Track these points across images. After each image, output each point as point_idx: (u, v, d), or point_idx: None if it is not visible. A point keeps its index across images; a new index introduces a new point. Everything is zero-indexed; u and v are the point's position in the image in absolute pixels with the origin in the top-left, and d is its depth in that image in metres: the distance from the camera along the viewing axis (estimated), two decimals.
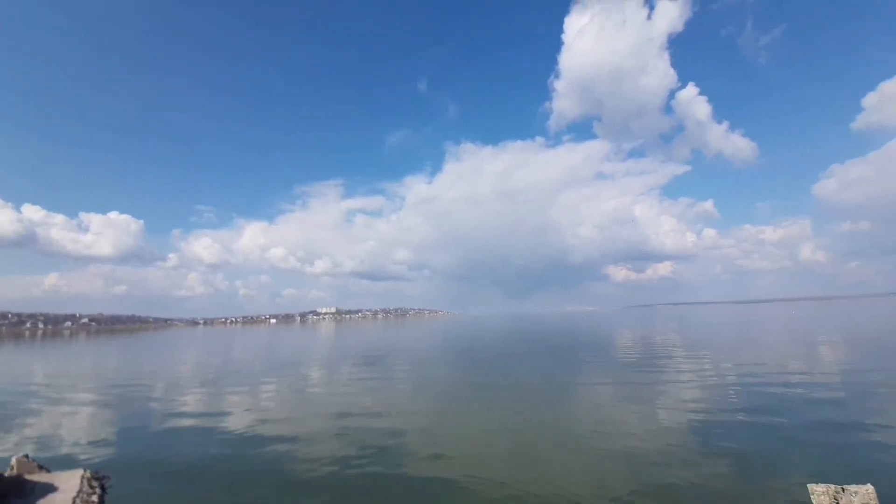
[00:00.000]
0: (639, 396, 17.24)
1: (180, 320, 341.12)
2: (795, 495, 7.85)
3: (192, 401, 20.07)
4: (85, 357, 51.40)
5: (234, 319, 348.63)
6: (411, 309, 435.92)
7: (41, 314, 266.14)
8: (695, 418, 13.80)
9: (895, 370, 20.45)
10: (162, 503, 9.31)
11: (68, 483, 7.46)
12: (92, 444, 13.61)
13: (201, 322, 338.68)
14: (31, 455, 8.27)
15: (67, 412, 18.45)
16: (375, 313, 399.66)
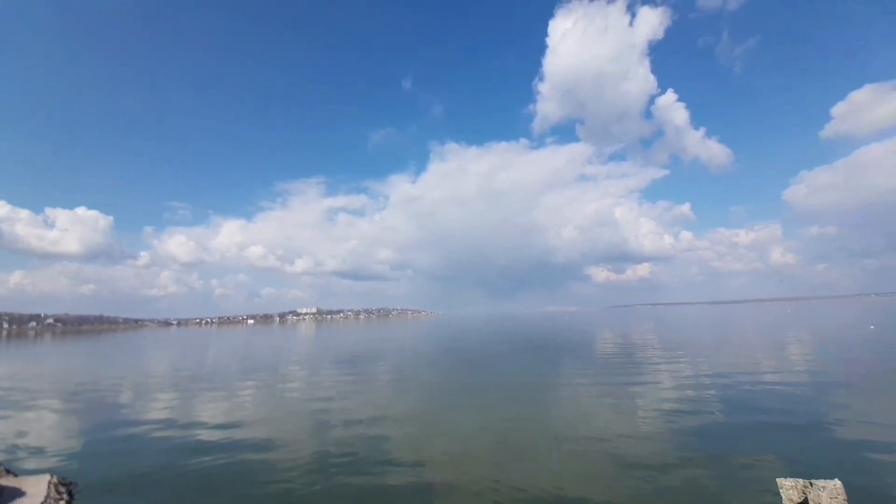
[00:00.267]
0: (619, 396, 17.56)
1: (152, 321, 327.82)
2: (766, 489, 8.04)
3: (163, 405, 19.39)
4: (50, 359, 49.05)
5: (209, 320, 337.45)
6: (394, 309, 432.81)
7: (5, 314, 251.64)
8: (672, 416, 14.14)
9: (859, 368, 21.53)
10: None
11: (36, 488, 7.29)
12: (56, 449, 13.01)
13: (174, 323, 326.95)
14: None
15: (31, 417, 17.55)
16: (357, 314, 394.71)
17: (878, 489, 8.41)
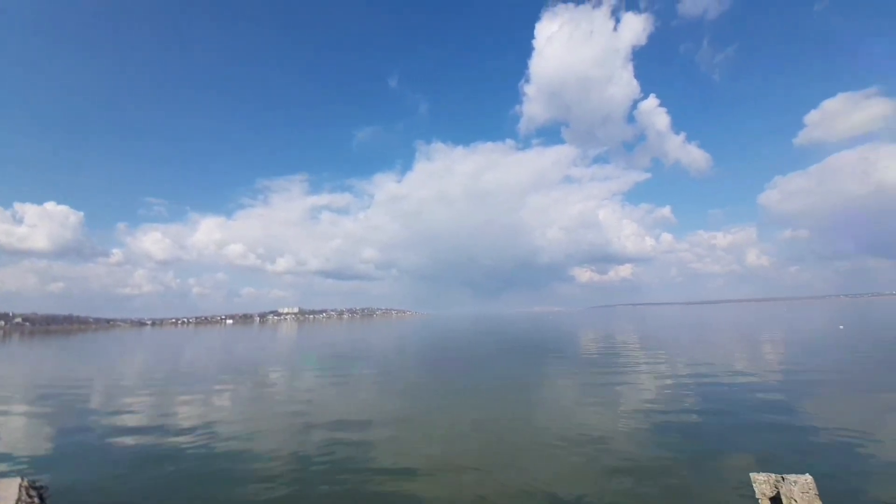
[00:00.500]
0: (602, 395, 17.74)
1: (125, 321, 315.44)
2: (739, 484, 8.21)
3: (136, 407, 18.64)
4: (18, 360, 46.88)
5: (186, 320, 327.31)
6: (378, 309, 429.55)
7: None
8: (651, 414, 14.34)
9: (828, 367, 22.29)
10: None
11: (7, 491, 7.04)
12: (26, 452, 12.46)
13: (149, 323, 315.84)
14: None
15: None
16: (341, 313, 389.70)
17: (848, 483, 8.62)
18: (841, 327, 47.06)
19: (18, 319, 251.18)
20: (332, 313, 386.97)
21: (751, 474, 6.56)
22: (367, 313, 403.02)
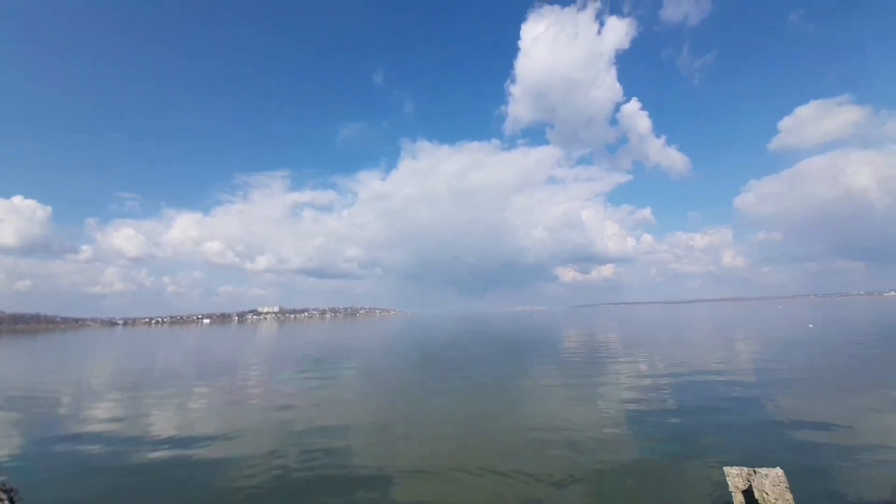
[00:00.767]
0: (584, 393, 17.88)
1: (94, 320, 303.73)
2: (714, 477, 8.44)
3: (107, 411, 17.79)
4: None
5: (159, 319, 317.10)
6: (362, 308, 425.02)
7: None
8: (631, 411, 14.53)
9: (798, 364, 22.83)
10: None
11: None
12: None
13: (120, 322, 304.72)
14: None
15: None
16: (323, 313, 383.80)
17: (816, 475, 8.80)
18: (811, 326, 48.56)
19: None
20: (315, 313, 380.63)
21: (724, 468, 6.92)
22: (351, 312, 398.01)
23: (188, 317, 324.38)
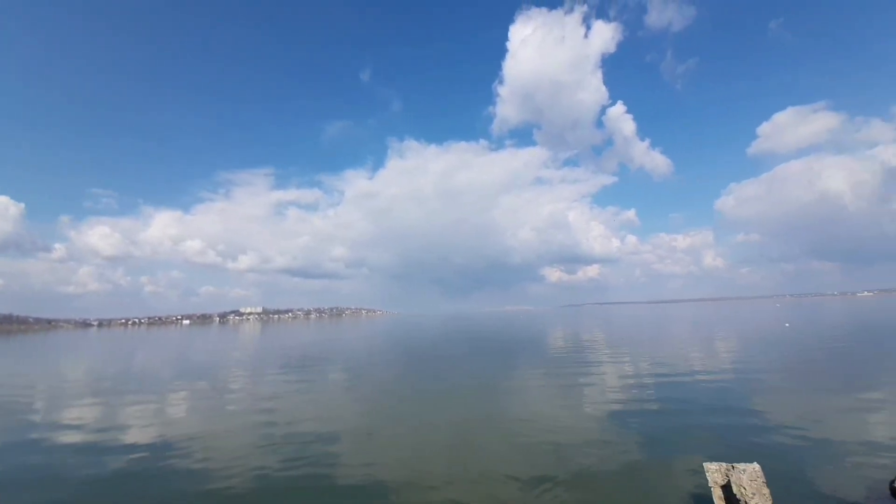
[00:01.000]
0: (568, 392, 18.02)
1: (68, 321, 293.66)
2: (694, 473, 8.67)
3: (81, 415, 17.06)
4: None
5: (136, 320, 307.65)
6: (347, 308, 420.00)
7: None
8: (615, 409, 14.69)
9: (776, 362, 23.35)
10: None
11: None
12: None
13: (95, 323, 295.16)
14: None
15: None
16: (308, 313, 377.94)
17: (792, 470, 9.01)
18: (787, 325, 49.89)
19: None
20: (299, 313, 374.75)
21: (704, 463, 7.23)
22: (336, 313, 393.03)
23: (167, 318, 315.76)
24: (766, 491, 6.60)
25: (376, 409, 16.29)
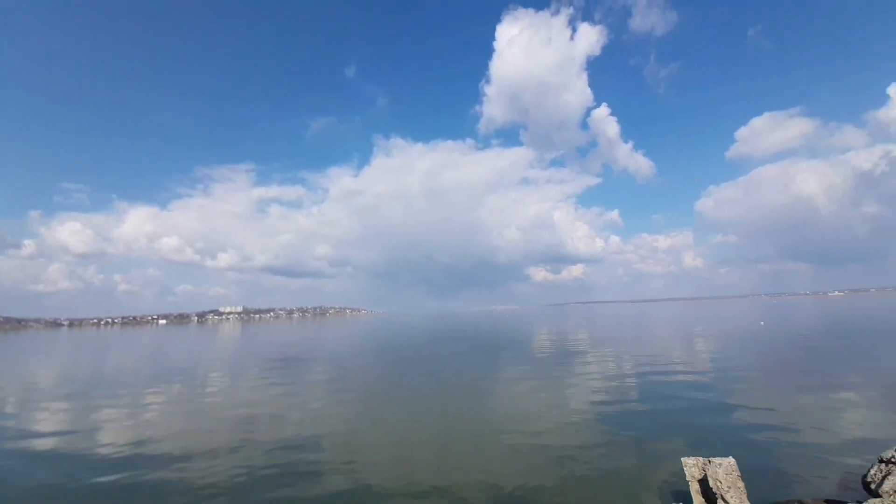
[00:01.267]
0: (553, 390, 18.16)
1: (38, 321, 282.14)
2: (673, 467, 8.73)
3: (53, 419, 16.40)
4: None
5: (110, 320, 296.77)
6: (331, 307, 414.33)
7: None
8: (597, 406, 14.92)
9: (751, 360, 23.97)
10: None
11: None
12: None
13: (65, 323, 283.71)
14: None
15: None
16: (290, 312, 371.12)
17: (765, 464, 9.23)
18: (762, 324, 51.46)
19: None
20: (281, 312, 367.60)
21: (682, 458, 7.40)
22: (320, 312, 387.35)
23: (142, 317, 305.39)
24: (740, 484, 6.73)
25: (359, 412, 15.80)
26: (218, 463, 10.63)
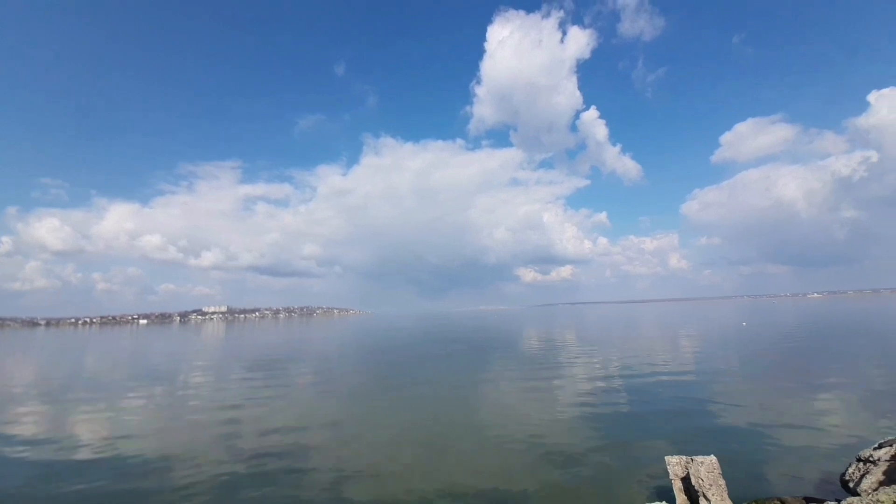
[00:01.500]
0: (539, 389, 18.27)
1: (14, 320, 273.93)
2: (656, 466, 8.82)
3: (29, 420, 15.89)
4: None
5: (88, 319, 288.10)
6: (319, 307, 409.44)
7: None
8: (583, 405, 15.07)
9: (733, 359, 24.42)
10: None
11: None
12: None
13: (42, 322, 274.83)
14: None
15: None
16: (276, 312, 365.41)
17: (746, 461, 9.40)
18: (744, 324, 52.56)
19: None
20: (267, 312, 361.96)
21: (665, 457, 7.54)
22: (307, 312, 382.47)
23: (122, 317, 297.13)
24: (721, 482, 6.85)
25: (343, 417, 15.25)
26: (198, 472, 10.11)
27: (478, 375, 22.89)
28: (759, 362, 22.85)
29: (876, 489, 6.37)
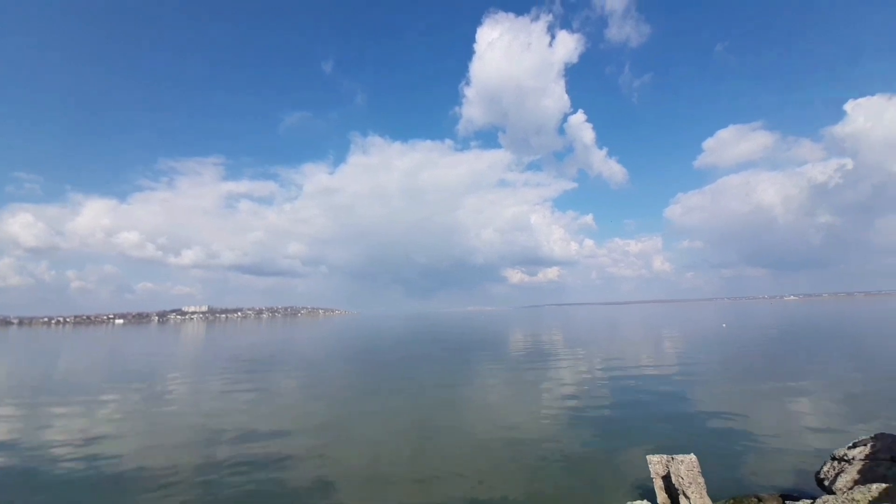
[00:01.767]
0: (525, 390, 18.36)
1: None
2: (639, 465, 8.86)
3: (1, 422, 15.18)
4: None
5: (62, 319, 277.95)
6: (303, 308, 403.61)
7: None
8: (568, 406, 15.21)
9: (713, 360, 24.95)
10: None
11: None
12: None
13: (15, 321, 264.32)
14: None
15: None
16: (259, 312, 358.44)
17: (725, 460, 9.56)
18: (724, 326, 53.79)
19: None
20: (249, 312, 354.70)
21: (647, 456, 7.67)
22: (291, 312, 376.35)
23: (97, 316, 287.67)
24: (700, 480, 6.95)
25: (327, 421, 14.77)
26: (174, 479, 9.63)
27: (462, 376, 22.74)
28: (738, 363, 23.34)
29: (851, 488, 6.42)
